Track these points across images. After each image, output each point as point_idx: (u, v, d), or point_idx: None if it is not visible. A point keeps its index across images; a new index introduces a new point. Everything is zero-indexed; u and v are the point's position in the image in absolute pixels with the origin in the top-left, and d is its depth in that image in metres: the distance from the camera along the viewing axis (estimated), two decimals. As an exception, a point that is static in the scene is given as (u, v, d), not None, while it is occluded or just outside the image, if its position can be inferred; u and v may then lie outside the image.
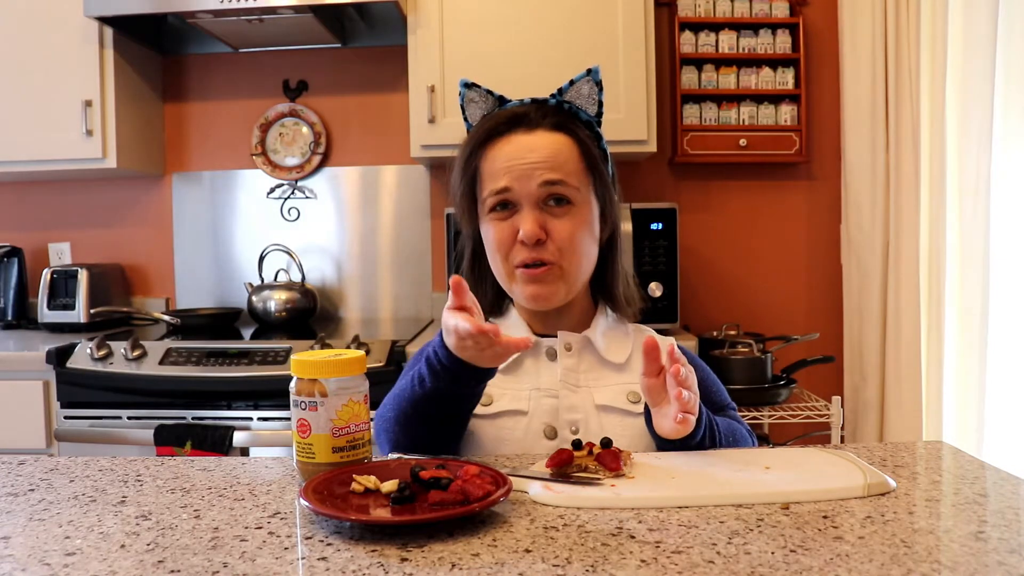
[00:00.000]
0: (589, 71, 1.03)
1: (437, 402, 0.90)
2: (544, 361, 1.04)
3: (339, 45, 2.54)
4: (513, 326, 1.07)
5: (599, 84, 1.04)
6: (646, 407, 0.95)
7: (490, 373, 0.90)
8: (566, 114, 1.04)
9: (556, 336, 1.05)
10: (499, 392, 1.02)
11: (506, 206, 1.00)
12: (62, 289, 2.37)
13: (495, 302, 1.10)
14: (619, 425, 0.99)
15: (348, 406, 0.80)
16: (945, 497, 0.76)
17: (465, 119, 1.08)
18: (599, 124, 1.06)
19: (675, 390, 0.84)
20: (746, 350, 2.08)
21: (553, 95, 1.05)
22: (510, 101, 1.06)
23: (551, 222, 0.99)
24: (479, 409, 0.99)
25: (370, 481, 0.74)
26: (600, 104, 1.05)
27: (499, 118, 1.03)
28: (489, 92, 1.07)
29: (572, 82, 1.04)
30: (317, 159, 2.55)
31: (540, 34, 2.16)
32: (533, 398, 1.01)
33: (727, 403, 1.09)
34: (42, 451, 1.93)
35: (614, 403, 1.00)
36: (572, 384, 1.02)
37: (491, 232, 1.02)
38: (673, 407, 0.85)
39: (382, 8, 2.30)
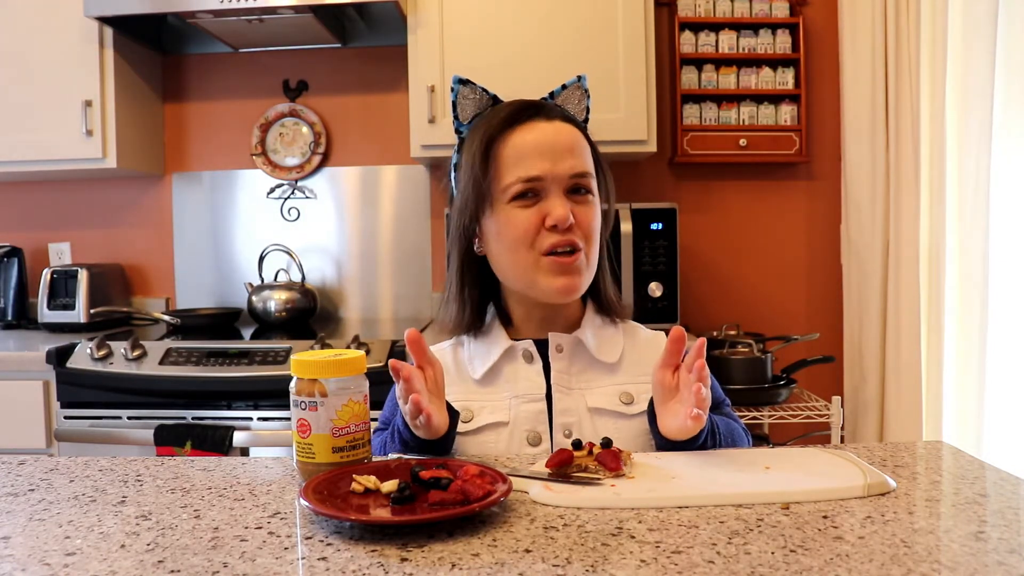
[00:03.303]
0: (579, 78, 1.06)
1: (420, 453, 0.93)
2: (521, 364, 1.02)
3: (339, 45, 2.54)
4: (490, 332, 1.05)
5: (587, 91, 1.06)
6: (650, 411, 0.94)
7: (450, 436, 0.93)
8: (571, 116, 1.04)
9: (532, 340, 1.03)
10: (479, 405, 1.01)
11: (529, 194, 0.97)
12: (62, 289, 2.37)
13: (477, 315, 1.05)
14: (612, 428, 0.97)
15: (348, 406, 0.80)
16: (945, 497, 0.76)
17: (455, 117, 1.05)
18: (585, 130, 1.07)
19: (696, 385, 0.83)
20: (746, 350, 2.08)
21: (544, 98, 1.05)
22: (502, 101, 1.05)
23: (576, 209, 0.98)
24: (461, 426, 0.98)
25: (370, 481, 0.74)
26: (587, 110, 1.06)
27: (516, 106, 1.02)
28: (484, 90, 1.05)
29: (564, 86, 1.05)
30: (317, 159, 2.55)
31: (540, 34, 2.16)
32: (513, 406, 1.00)
33: (723, 399, 1.08)
34: (42, 451, 1.93)
35: (607, 405, 0.99)
36: (564, 387, 1.01)
37: (512, 221, 0.97)
38: (690, 402, 0.84)
39: (382, 8, 2.30)
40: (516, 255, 0.98)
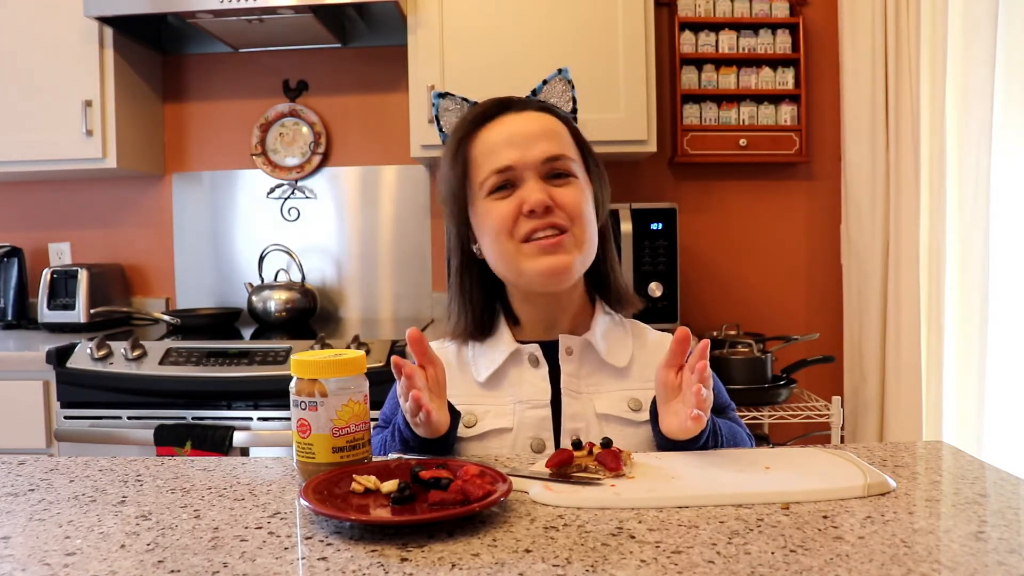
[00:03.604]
0: (560, 71, 1.06)
1: (420, 452, 0.93)
2: (527, 369, 1.01)
3: (339, 45, 2.54)
4: (500, 343, 1.03)
5: (571, 82, 1.05)
6: (652, 410, 0.94)
7: (451, 436, 0.93)
8: (548, 106, 1.05)
9: (537, 343, 1.01)
10: (482, 410, 0.99)
11: (506, 185, 0.97)
12: (62, 289, 2.37)
13: (482, 319, 1.04)
14: (620, 435, 0.96)
15: (348, 406, 0.80)
16: (945, 497, 0.76)
17: (440, 130, 1.07)
18: (575, 120, 1.07)
19: (696, 386, 0.83)
20: (746, 350, 2.07)
21: (528, 96, 1.06)
22: None
23: (555, 191, 0.96)
24: (464, 432, 0.97)
25: (370, 481, 0.74)
26: (574, 100, 1.06)
27: (485, 105, 1.03)
28: (464, 99, 1.06)
29: (545, 81, 1.06)
30: (317, 159, 2.55)
31: (540, 34, 2.16)
32: (517, 412, 0.98)
33: (727, 403, 1.08)
34: (42, 451, 1.93)
35: (615, 412, 0.98)
36: (573, 391, 0.99)
37: (491, 213, 0.97)
38: (691, 403, 0.84)
39: (382, 8, 2.30)
40: (499, 246, 0.98)
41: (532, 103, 1.03)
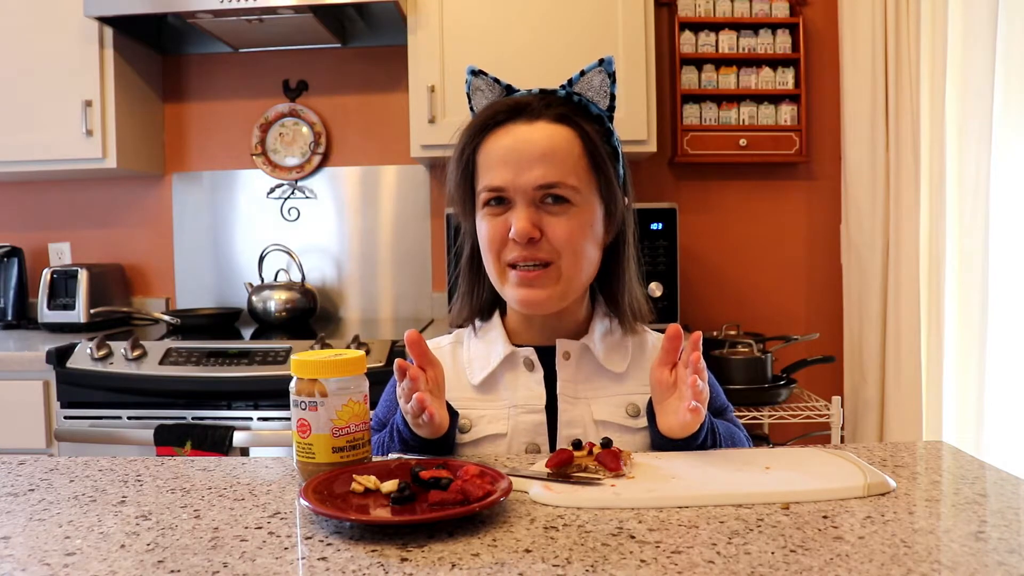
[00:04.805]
0: (601, 61, 0.96)
1: (422, 452, 0.93)
2: (522, 372, 0.99)
3: (339, 45, 2.54)
4: (492, 335, 1.02)
5: (612, 76, 0.96)
6: (649, 411, 0.94)
7: (451, 435, 0.93)
8: (574, 107, 0.97)
9: (533, 347, 1.00)
10: (477, 414, 0.98)
11: (500, 201, 0.95)
12: (62, 289, 2.37)
13: (488, 305, 1.04)
14: (617, 442, 0.93)
15: (348, 406, 0.80)
16: (945, 497, 0.76)
17: (471, 109, 1.02)
18: (611, 119, 0.99)
19: (691, 378, 0.82)
20: (746, 350, 2.07)
21: (563, 86, 0.98)
22: (518, 91, 1.00)
23: (547, 220, 0.93)
24: (459, 437, 0.97)
25: (370, 481, 0.74)
26: (612, 97, 0.97)
27: (500, 106, 0.97)
28: (496, 80, 1.01)
29: (583, 72, 0.97)
30: (317, 159, 2.55)
31: (540, 34, 2.16)
32: (512, 416, 0.97)
33: (725, 405, 1.07)
34: (42, 451, 1.93)
35: (613, 418, 0.97)
36: (570, 396, 0.97)
37: (484, 228, 0.96)
38: (687, 396, 0.83)
39: (382, 8, 2.30)
40: (488, 263, 0.98)
41: (550, 107, 0.96)
